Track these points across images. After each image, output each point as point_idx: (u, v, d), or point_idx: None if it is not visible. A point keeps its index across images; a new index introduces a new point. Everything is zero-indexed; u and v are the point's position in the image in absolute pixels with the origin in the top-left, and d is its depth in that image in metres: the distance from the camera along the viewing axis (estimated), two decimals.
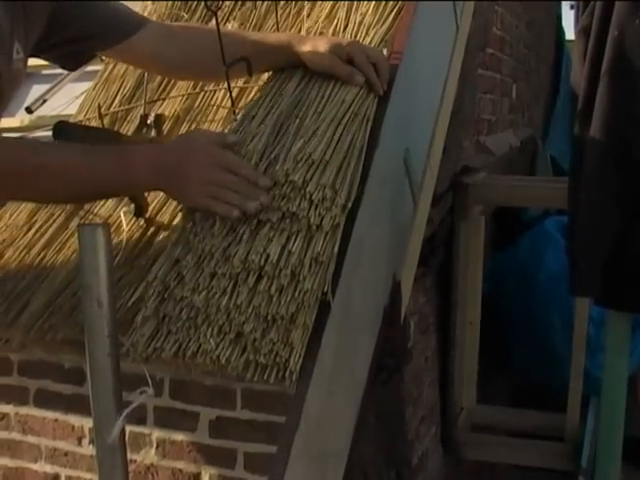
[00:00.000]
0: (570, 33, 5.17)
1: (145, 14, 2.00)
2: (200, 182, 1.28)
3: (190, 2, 1.99)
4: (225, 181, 1.28)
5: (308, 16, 1.84)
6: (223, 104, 1.72)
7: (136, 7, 2.01)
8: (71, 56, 1.56)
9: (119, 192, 1.45)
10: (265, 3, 1.91)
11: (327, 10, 1.83)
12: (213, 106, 1.74)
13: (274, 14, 1.83)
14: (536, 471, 2.91)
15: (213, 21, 1.85)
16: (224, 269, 1.26)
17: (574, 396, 2.76)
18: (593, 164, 1.89)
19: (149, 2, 2.05)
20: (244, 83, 1.72)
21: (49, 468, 1.91)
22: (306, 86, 1.55)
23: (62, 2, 1.41)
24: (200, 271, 1.28)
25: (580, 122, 1.91)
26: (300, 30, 1.83)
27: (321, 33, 1.77)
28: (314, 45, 1.54)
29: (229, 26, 1.89)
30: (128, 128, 1.79)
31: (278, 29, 1.81)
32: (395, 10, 1.73)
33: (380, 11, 1.74)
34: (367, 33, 1.71)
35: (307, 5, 1.86)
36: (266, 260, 1.24)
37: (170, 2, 2.02)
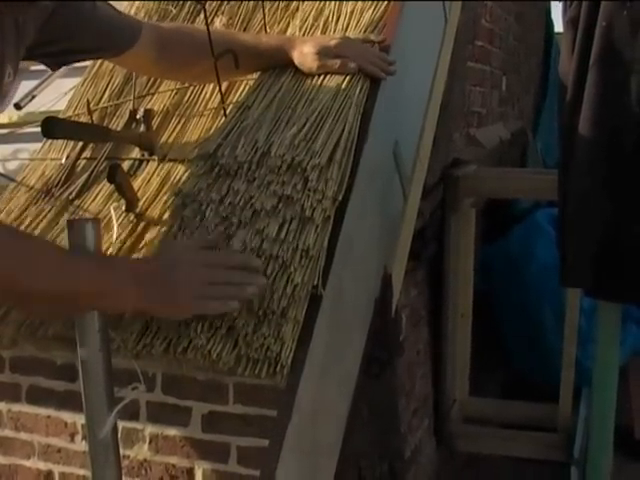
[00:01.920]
0: (559, 25, 5.18)
1: (133, 9, 1.99)
2: (190, 284, 1.19)
3: None
4: (216, 277, 1.21)
5: (297, 10, 1.84)
6: (212, 98, 1.72)
7: (124, 3, 2.01)
8: (62, 63, 1.54)
9: (90, 299, 1.18)
10: None
11: (317, 4, 1.82)
12: (202, 101, 1.73)
13: (262, 8, 1.82)
14: (529, 462, 2.93)
15: (201, 16, 1.86)
16: None
17: (566, 387, 2.77)
18: (583, 155, 1.89)
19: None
20: (232, 77, 1.72)
21: (42, 465, 1.91)
22: (300, 75, 1.58)
23: (56, 15, 1.37)
24: None
25: (569, 113, 1.91)
26: (289, 24, 1.82)
27: (312, 26, 1.78)
28: (301, 50, 1.58)
29: (217, 21, 1.89)
30: (117, 123, 1.78)
31: (265, 24, 1.81)
32: None
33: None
34: (359, 22, 1.72)
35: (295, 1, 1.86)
36: (263, 240, 1.27)
37: None
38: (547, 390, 2.91)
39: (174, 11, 1.97)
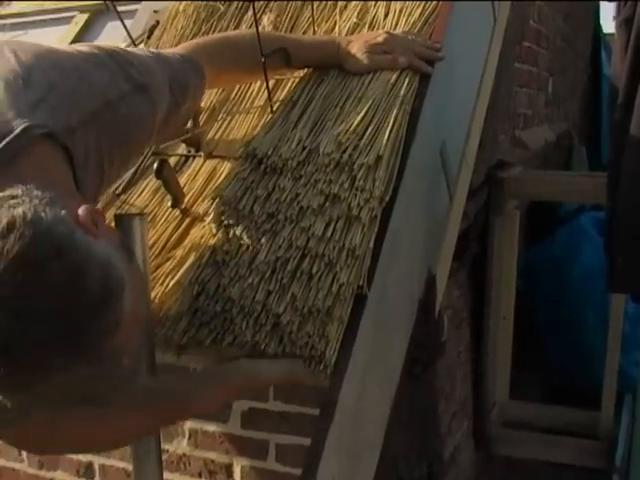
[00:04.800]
0: (608, 27, 5.11)
1: (181, 6, 2.00)
2: None
3: None
4: None
5: (345, 7, 1.83)
6: (259, 96, 1.72)
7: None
8: None
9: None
10: None
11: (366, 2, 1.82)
12: (249, 98, 1.73)
13: (310, 5, 1.82)
14: (568, 468, 2.89)
15: (249, 13, 1.86)
16: (263, 255, 1.27)
17: (608, 393, 2.73)
18: (633, 159, 1.86)
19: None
20: (280, 75, 1.72)
21: (82, 456, 1.93)
22: (347, 72, 1.58)
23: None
24: (237, 259, 1.29)
25: (620, 115, 1.88)
26: (336, 23, 1.81)
27: (357, 24, 1.77)
28: (350, 48, 1.57)
29: (265, 18, 1.89)
30: None
31: (314, 20, 1.80)
32: None
33: None
34: (408, 19, 1.70)
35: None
36: (309, 238, 1.27)
37: None
38: (588, 395, 2.87)
39: (222, 8, 1.97)
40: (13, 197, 0.90)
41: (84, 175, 1.12)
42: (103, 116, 1.15)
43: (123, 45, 2.07)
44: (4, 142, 1.01)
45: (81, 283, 0.87)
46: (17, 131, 1.02)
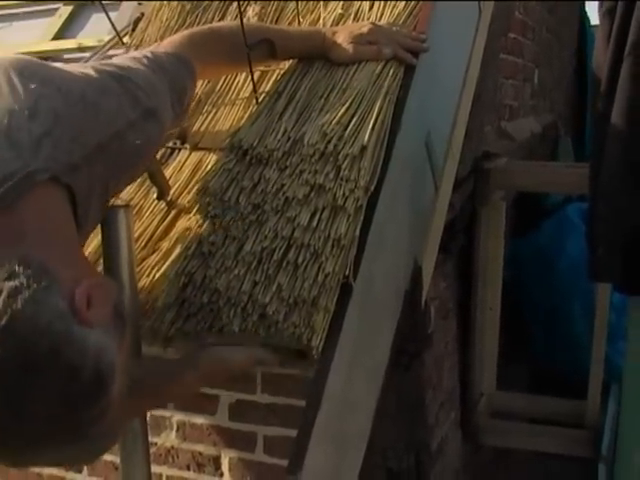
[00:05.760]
0: (594, 19, 5.11)
1: None
2: None
3: None
4: None
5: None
6: (245, 87, 1.71)
7: None
8: None
9: None
10: None
11: None
12: (234, 89, 1.73)
13: None
14: (555, 458, 2.90)
15: (234, 4, 1.85)
16: (249, 246, 1.28)
17: (594, 383, 2.74)
18: (615, 148, 1.87)
19: None
20: (265, 67, 1.72)
21: None
22: (333, 63, 1.58)
23: None
24: (223, 251, 1.29)
25: (602, 105, 1.89)
26: (320, 15, 1.81)
27: (341, 15, 1.77)
28: (335, 39, 1.58)
29: (250, 10, 1.88)
30: None
31: (299, 12, 1.80)
32: None
33: None
34: (392, 11, 1.71)
35: None
36: (295, 228, 1.27)
37: None
38: (575, 385, 2.88)
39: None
40: (10, 276, 0.89)
41: (87, 206, 1.12)
42: (110, 146, 1.14)
43: (107, 38, 2.08)
44: (4, 187, 0.99)
45: (75, 378, 0.89)
46: (18, 178, 1.00)
